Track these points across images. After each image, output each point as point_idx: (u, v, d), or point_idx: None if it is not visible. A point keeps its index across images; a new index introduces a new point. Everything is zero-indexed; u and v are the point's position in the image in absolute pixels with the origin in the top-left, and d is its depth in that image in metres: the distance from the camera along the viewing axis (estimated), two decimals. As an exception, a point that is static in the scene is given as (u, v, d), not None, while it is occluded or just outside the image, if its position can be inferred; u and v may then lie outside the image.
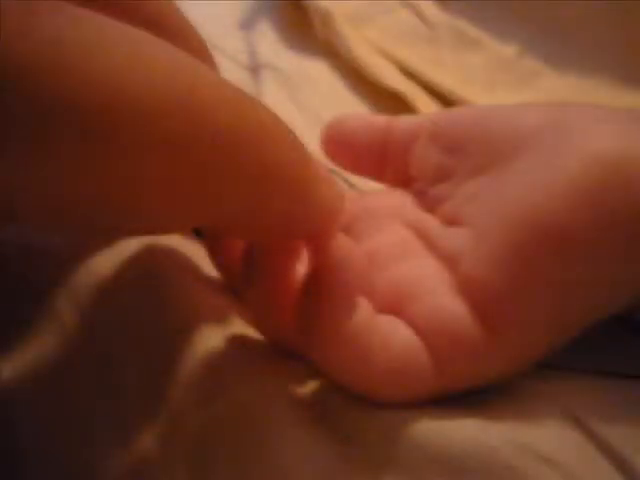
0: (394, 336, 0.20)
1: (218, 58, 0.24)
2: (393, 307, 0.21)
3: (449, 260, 0.21)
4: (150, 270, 0.24)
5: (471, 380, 0.20)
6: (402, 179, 0.26)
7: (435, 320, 0.20)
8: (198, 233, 0.26)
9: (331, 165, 0.27)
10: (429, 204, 0.24)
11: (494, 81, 0.43)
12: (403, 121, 0.26)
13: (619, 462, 0.19)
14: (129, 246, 0.24)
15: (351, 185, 0.32)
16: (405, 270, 0.22)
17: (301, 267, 0.21)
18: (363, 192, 0.30)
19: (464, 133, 0.23)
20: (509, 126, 0.22)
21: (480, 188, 0.22)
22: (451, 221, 0.23)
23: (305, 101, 0.40)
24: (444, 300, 0.20)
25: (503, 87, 0.42)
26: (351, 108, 0.39)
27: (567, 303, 0.20)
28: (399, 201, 0.25)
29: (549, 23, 0.44)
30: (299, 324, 0.20)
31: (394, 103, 0.38)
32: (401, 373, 0.20)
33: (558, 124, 0.21)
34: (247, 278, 0.21)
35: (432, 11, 0.48)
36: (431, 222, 0.23)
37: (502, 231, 0.20)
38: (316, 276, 0.19)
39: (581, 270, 0.20)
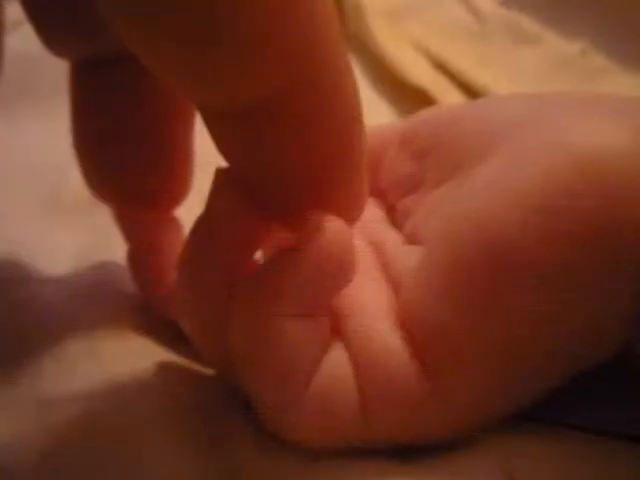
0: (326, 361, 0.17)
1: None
2: (334, 328, 0.18)
3: (396, 284, 0.18)
4: None
5: (406, 431, 0.17)
6: (375, 193, 0.22)
7: (368, 351, 0.17)
8: None
9: None
10: (398, 219, 0.21)
11: (544, 78, 0.40)
12: (373, 131, 0.22)
13: None
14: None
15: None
16: (352, 291, 0.19)
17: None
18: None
19: (435, 136, 0.20)
20: (481, 122, 0.19)
21: (440, 200, 0.19)
22: (412, 239, 0.19)
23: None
24: (381, 331, 0.17)
25: (560, 85, 0.39)
26: (367, 105, 0.36)
27: (520, 345, 0.16)
28: (368, 216, 0.21)
29: (617, 18, 0.41)
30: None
31: (417, 101, 0.36)
32: (327, 407, 0.17)
33: (535, 117, 0.18)
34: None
35: (488, 6, 0.45)
36: (392, 240, 0.20)
37: (447, 251, 0.16)
38: None
39: (536, 300, 0.15)
